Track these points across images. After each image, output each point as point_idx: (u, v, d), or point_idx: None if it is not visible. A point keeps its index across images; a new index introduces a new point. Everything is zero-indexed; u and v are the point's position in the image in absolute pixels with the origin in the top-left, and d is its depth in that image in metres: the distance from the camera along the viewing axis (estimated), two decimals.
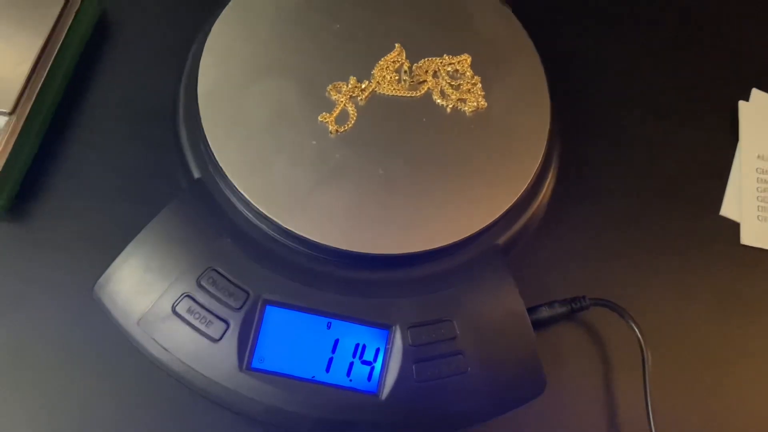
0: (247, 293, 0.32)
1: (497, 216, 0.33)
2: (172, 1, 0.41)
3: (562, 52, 0.35)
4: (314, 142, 0.33)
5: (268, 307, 0.32)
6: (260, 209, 0.32)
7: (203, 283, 0.32)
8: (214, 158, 0.33)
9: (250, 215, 0.33)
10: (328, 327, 0.32)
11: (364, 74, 0.35)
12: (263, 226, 0.33)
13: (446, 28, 0.37)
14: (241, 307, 0.31)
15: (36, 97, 0.35)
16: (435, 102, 0.35)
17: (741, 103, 0.43)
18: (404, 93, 0.35)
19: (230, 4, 0.36)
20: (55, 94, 0.37)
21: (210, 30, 0.35)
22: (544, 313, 0.35)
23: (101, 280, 0.32)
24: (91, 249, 0.35)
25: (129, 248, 0.32)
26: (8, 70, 0.34)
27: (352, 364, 0.32)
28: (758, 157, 0.42)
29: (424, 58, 0.36)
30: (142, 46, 0.40)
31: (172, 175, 0.36)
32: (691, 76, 0.43)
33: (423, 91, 0.35)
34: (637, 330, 0.34)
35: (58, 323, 0.34)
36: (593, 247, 0.38)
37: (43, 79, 0.35)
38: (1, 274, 0.34)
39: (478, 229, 0.33)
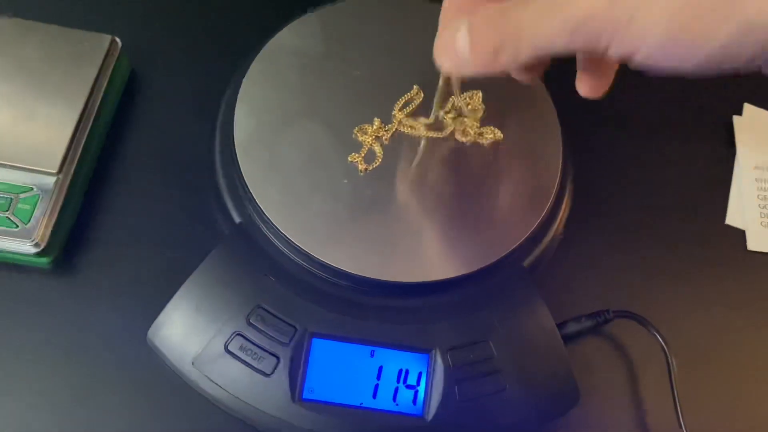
0: (294, 328, 0.34)
1: (522, 239, 0.36)
2: (195, 54, 0.44)
3: (567, 80, 0.38)
4: (346, 181, 0.36)
5: (314, 340, 0.34)
6: (301, 247, 0.34)
7: (252, 321, 0.33)
8: (255, 202, 0.35)
9: (291, 253, 0.35)
10: (372, 355, 0.34)
11: (386, 115, 0.37)
12: (304, 263, 0.35)
13: None
14: (289, 342, 0.33)
15: (79, 156, 0.37)
16: (457, 139, 0.37)
17: (735, 118, 0.45)
18: (429, 133, 0.37)
19: (258, 57, 0.38)
20: (95, 150, 0.39)
21: (241, 82, 0.37)
22: (572, 327, 0.37)
23: (154, 325, 0.34)
24: (140, 296, 0.37)
25: (179, 293, 0.34)
26: (53, 132, 0.37)
27: (397, 389, 0.34)
28: (755, 167, 0.44)
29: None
30: (172, 98, 0.42)
31: (213, 221, 0.38)
32: (688, 95, 0.46)
33: (447, 131, 0.37)
34: (660, 339, 0.36)
35: (114, 370, 0.35)
36: (612, 261, 0.40)
37: (85, 137, 0.38)
38: (56, 325, 0.36)
39: (504, 253, 0.35)
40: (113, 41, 0.40)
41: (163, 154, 0.41)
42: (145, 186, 0.40)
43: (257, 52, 0.38)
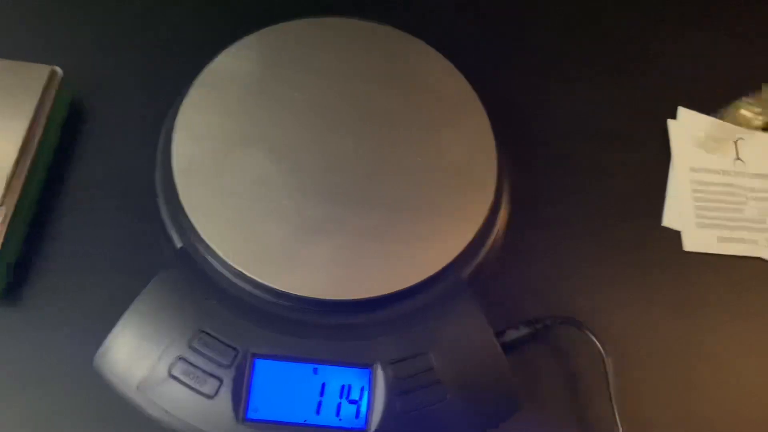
0: (236, 350, 0.34)
1: (459, 251, 0.37)
2: (138, 81, 0.44)
3: (500, 91, 0.39)
4: (284, 202, 0.36)
5: (256, 361, 0.34)
6: (240, 270, 0.35)
7: (195, 345, 0.34)
8: (194, 227, 0.35)
9: (231, 276, 0.35)
10: (315, 372, 0.35)
11: (326, 136, 0.38)
12: (244, 285, 0.35)
13: (393, 85, 0.41)
14: (231, 364, 0.34)
15: (22, 187, 0.38)
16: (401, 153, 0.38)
17: (670, 122, 0.47)
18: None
19: (196, 81, 0.39)
20: (39, 180, 0.40)
21: (179, 107, 0.38)
22: (511, 335, 0.38)
23: (100, 351, 0.34)
24: (86, 323, 0.37)
25: (123, 319, 0.35)
26: None
27: (340, 404, 0.34)
28: (691, 169, 0.45)
29: None
30: (115, 126, 0.43)
31: (157, 246, 0.38)
32: (625, 100, 0.47)
33: None
34: (597, 341, 0.38)
35: (62, 397, 0.36)
36: (552, 269, 0.41)
37: (27, 169, 0.38)
38: (3, 355, 0.36)
39: (441, 267, 0.36)
40: (53, 71, 0.40)
41: (107, 182, 0.41)
42: (90, 214, 0.40)
43: (195, 77, 0.39)
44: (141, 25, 0.46)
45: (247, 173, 0.37)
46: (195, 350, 0.34)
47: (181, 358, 0.34)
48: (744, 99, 0.47)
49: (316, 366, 0.35)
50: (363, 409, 0.34)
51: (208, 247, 0.35)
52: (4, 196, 0.37)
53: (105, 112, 0.43)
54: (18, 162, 0.38)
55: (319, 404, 0.34)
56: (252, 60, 0.40)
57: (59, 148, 0.42)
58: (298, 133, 0.38)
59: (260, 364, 0.34)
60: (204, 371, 0.34)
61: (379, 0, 0.49)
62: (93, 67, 0.44)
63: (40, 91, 0.39)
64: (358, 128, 0.39)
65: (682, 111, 0.47)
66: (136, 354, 0.34)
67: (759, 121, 0.47)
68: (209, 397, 0.34)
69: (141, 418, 0.34)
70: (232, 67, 0.40)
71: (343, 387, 0.35)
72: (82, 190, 0.41)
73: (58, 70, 0.41)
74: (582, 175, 0.44)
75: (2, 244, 0.36)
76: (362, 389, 0.35)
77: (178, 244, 0.37)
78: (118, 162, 0.42)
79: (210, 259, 0.36)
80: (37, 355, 0.37)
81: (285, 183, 0.37)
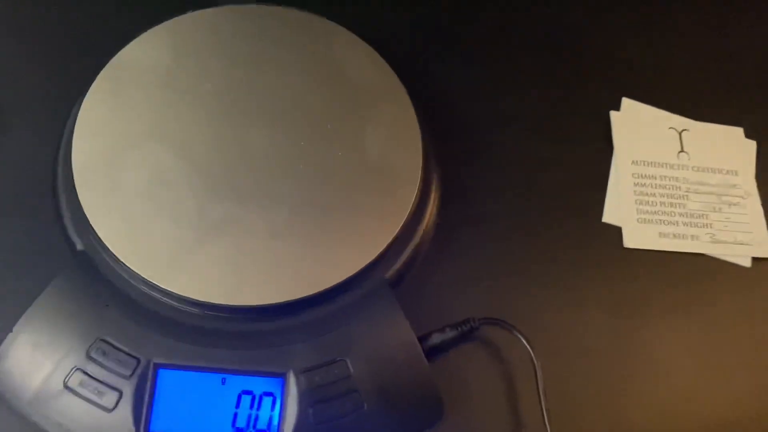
0: (138, 359, 0.32)
1: (380, 251, 0.35)
2: (45, 76, 0.41)
3: (429, 83, 0.37)
4: (189, 202, 0.34)
5: (160, 371, 0.32)
6: (141, 274, 0.32)
7: (93, 354, 0.32)
8: (92, 228, 0.33)
9: (132, 281, 0.33)
10: (223, 382, 0.33)
11: (237, 130, 0.36)
12: (147, 291, 0.33)
13: (312, 74, 0.38)
14: (132, 374, 0.32)
15: None
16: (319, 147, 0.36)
17: (612, 113, 0.45)
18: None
19: (100, 74, 0.36)
20: None
21: (81, 102, 0.36)
22: (436, 339, 0.36)
23: None
24: None
25: (17, 326, 0.32)
26: None
27: (249, 415, 0.32)
28: (633, 162, 0.44)
29: None
30: (17, 120, 0.40)
31: (58, 249, 0.36)
32: (563, 91, 0.45)
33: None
34: (525, 342, 0.36)
35: None
36: (483, 268, 0.39)
37: None
38: None
39: (361, 267, 0.34)
40: None
41: (8, 181, 0.38)
42: None
43: (98, 71, 0.37)
44: (49, 13, 0.43)
45: (149, 172, 0.34)
46: (93, 360, 0.32)
47: (78, 369, 0.32)
48: None
49: (224, 376, 0.33)
50: (275, 420, 0.32)
51: (106, 249, 0.33)
52: None
53: (7, 106, 0.40)
54: None
55: (229, 416, 0.32)
56: (161, 50, 0.38)
57: None
58: (207, 128, 0.36)
59: (164, 374, 0.32)
60: (102, 383, 0.32)
61: None
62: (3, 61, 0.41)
63: None
64: (273, 121, 0.36)
65: (626, 102, 0.46)
66: (30, 365, 0.32)
67: None
68: (108, 410, 0.31)
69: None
70: (139, 58, 0.37)
71: (253, 397, 0.33)
72: None
73: None
74: (517, 170, 0.42)
75: None
76: (274, 399, 0.33)
77: (79, 246, 0.34)
78: (19, 159, 0.39)
79: (110, 262, 0.33)
80: None
81: (190, 181, 0.34)
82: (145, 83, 0.36)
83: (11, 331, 0.32)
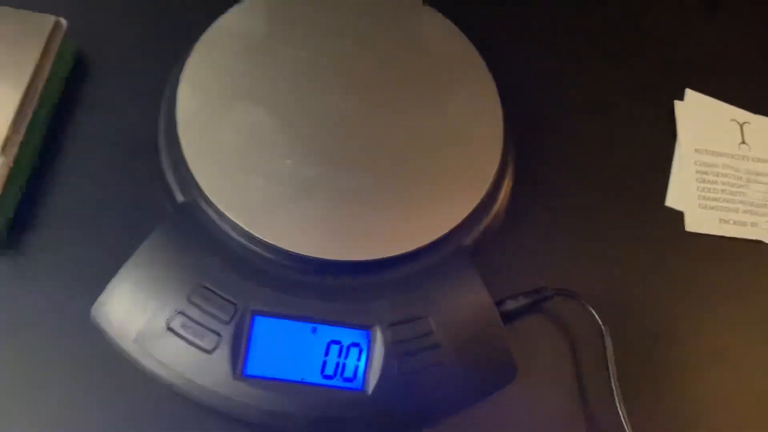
0: (235, 305, 0.34)
1: (462, 218, 0.36)
2: (145, 35, 0.44)
3: (509, 62, 0.39)
4: (288, 161, 0.36)
5: (255, 318, 0.34)
6: (241, 226, 0.34)
7: (194, 299, 0.34)
8: (196, 181, 0.35)
9: (232, 232, 0.35)
10: (314, 331, 0.34)
11: (331, 96, 0.38)
12: (245, 242, 0.35)
13: (400, 49, 0.40)
14: (230, 320, 0.34)
15: (23, 138, 0.37)
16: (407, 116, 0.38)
17: (677, 103, 0.47)
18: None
19: (202, 38, 0.38)
20: (39, 133, 0.39)
21: (185, 62, 0.38)
22: (510, 305, 0.38)
23: (98, 302, 0.34)
24: (84, 275, 0.37)
25: (122, 271, 0.34)
26: None
27: (338, 364, 0.34)
28: (696, 150, 0.45)
29: None
30: (119, 79, 0.42)
31: (158, 201, 0.38)
32: (632, 79, 0.47)
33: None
34: (596, 315, 0.38)
35: (58, 346, 0.36)
36: (553, 241, 0.41)
37: (28, 120, 0.37)
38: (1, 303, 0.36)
39: (444, 233, 0.36)
40: (57, 22, 0.40)
41: (109, 136, 0.41)
42: (90, 168, 0.40)
43: (201, 33, 0.39)
44: None
45: (248, 131, 0.36)
46: (194, 305, 0.34)
47: (180, 312, 0.34)
48: None
49: (315, 325, 0.34)
50: (361, 369, 0.34)
51: (209, 201, 0.35)
52: (4, 147, 0.36)
53: (109, 65, 0.42)
54: (19, 113, 0.37)
55: (317, 363, 0.34)
56: (258, 18, 0.40)
57: (61, 101, 0.41)
58: (301, 93, 0.37)
59: (260, 321, 0.34)
60: (203, 326, 0.33)
61: None
62: (98, 19, 0.43)
63: (43, 41, 0.39)
64: (364, 91, 0.38)
65: (689, 93, 0.47)
66: (133, 307, 0.34)
67: None
68: (207, 351, 0.33)
69: (136, 372, 0.34)
70: (238, 24, 0.39)
71: (341, 347, 0.34)
72: (83, 144, 0.40)
73: (63, 20, 0.40)
74: (587, 151, 0.44)
75: (3, 194, 0.36)
76: (360, 350, 0.34)
77: (180, 199, 0.36)
78: (121, 116, 0.41)
79: (211, 214, 0.35)
80: (34, 305, 0.36)
81: (288, 142, 0.36)
82: (244, 47, 0.38)
83: (116, 275, 0.34)
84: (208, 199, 0.35)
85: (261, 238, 0.34)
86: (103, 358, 0.35)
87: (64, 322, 0.36)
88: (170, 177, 0.37)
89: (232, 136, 0.36)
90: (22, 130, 0.37)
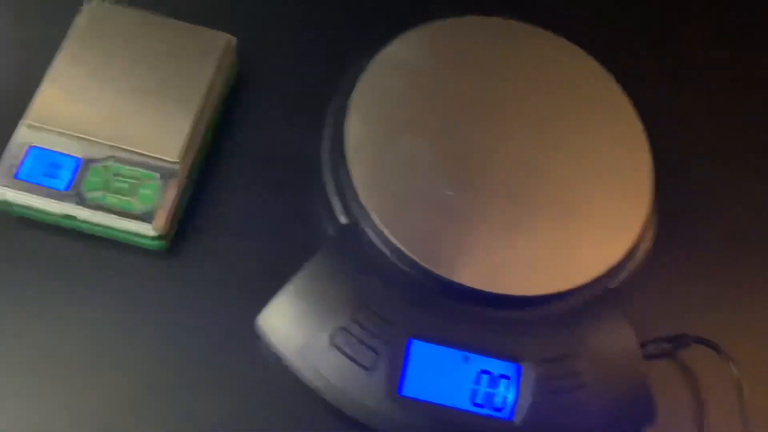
0: (395, 327, 0.35)
1: (616, 261, 0.37)
2: (299, 56, 0.46)
3: (652, 103, 0.40)
4: (450, 193, 0.37)
5: (412, 341, 0.36)
6: (406, 252, 0.36)
7: (357, 318, 0.35)
8: (363, 205, 0.37)
9: (394, 257, 0.36)
10: (466, 360, 0.36)
11: (494, 131, 0.39)
12: (407, 267, 0.36)
13: (550, 88, 0.41)
14: (389, 341, 0.35)
15: (197, 149, 0.39)
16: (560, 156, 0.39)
17: None
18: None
19: (369, 66, 0.40)
20: (205, 144, 0.41)
21: (353, 88, 0.39)
22: (652, 349, 0.39)
23: (264, 313, 0.36)
24: (244, 285, 0.39)
25: (290, 286, 0.36)
26: (174, 123, 0.39)
27: (488, 394, 0.35)
28: None
29: None
30: (276, 97, 0.44)
31: (317, 219, 0.39)
32: None
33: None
34: (734, 368, 0.38)
35: (216, 353, 0.38)
36: (694, 287, 0.42)
37: (202, 131, 0.40)
38: (164, 305, 0.38)
39: (598, 275, 0.37)
40: (229, 40, 0.42)
41: (266, 152, 0.43)
42: (249, 181, 0.42)
43: (368, 60, 0.40)
44: (317, 3, 0.48)
45: (414, 160, 0.38)
46: (357, 323, 0.35)
47: (343, 329, 0.35)
48: None
49: (467, 354, 0.36)
50: (509, 400, 0.35)
51: (375, 226, 0.36)
52: (182, 153, 0.38)
53: (268, 84, 0.44)
54: (194, 126, 0.39)
55: (468, 391, 0.35)
56: (422, 50, 0.41)
57: (224, 116, 0.43)
58: (464, 126, 0.39)
59: (416, 344, 0.36)
60: (364, 344, 0.35)
61: (538, 2, 0.49)
62: (261, 39, 0.45)
63: (217, 58, 0.41)
64: (520, 126, 0.40)
65: None
66: (298, 320, 0.36)
67: None
68: (366, 369, 0.35)
69: (292, 383, 0.35)
70: (403, 54, 0.41)
71: (491, 377, 0.36)
72: (243, 158, 0.42)
73: (233, 38, 0.42)
74: (731, 197, 0.45)
75: (177, 199, 0.38)
76: (510, 382, 0.36)
77: (343, 220, 0.38)
78: (280, 133, 0.43)
79: (374, 237, 0.37)
80: (194, 310, 0.38)
81: (450, 173, 0.38)
82: (409, 78, 0.40)
83: (283, 289, 0.36)
84: (375, 223, 0.36)
85: (424, 265, 0.36)
86: (261, 365, 0.37)
87: (223, 329, 0.38)
88: (334, 199, 0.38)
89: (398, 164, 0.38)
90: (197, 138, 0.39)
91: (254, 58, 0.45)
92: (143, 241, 0.38)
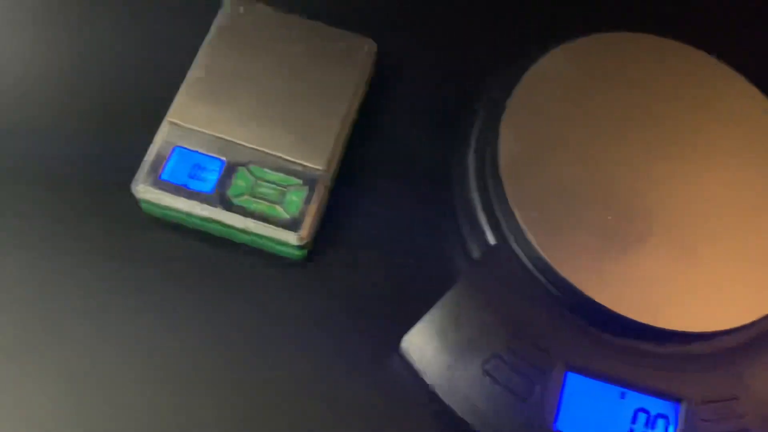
0: (551, 358, 0.34)
1: None
2: (438, 63, 0.44)
3: None
4: (609, 217, 0.36)
5: (568, 374, 0.34)
6: (565, 278, 0.34)
7: (512, 346, 0.34)
8: (519, 226, 0.35)
9: (551, 282, 0.35)
10: (622, 396, 0.34)
11: (652, 153, 0.37)
12: (564, 294, 0.35)
13: (704, 111, 0.39)
14: (546, 372, 0.33)
15: (339, 157, 0.38)
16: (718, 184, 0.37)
17: None
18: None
19: (522, 80, 0.38)
20: (344, 152, 0.40)
21: (505, 104, 0.38)
22: None
23: (410, 336, 0.35)
24: (383, 302, 0.37)
25: (437, 307, 0.35)
26: (320, 129, 0.37)
27: None
28: None
29: None
30: (414, 106, 0.43)
31: (459, 237, 0.38)
32: None
33: None
34: None
35: (357, 369, 0.36)
36: None
37: (344, 138, 0.38)
38: (299, 315, 0.37)
39: (764, 315, 0.35)
40: (371, 45, 0.40)
41: (402, 163, 0.41)
42: (385, 193, 0.40)
43: (518, 73, 0.39)
44: (457, 12, 0.46)
45: (572, 180, 0.36)
46: (511, 350, 0.34)
47: (497, 356, 0.34)
48: None
49: (624, 390, 0.34)
50: None
51: (530, 247, 0.34)
52: (329, 161, 0.37)
53: (406, 92, 0.43)
54: (341, 131, 0.38)
55: (624, 429, 0.34)
56: (575, 64, 0.39)
57: (359, 123, 0.42)
58: (619, 146, 0.37)
59: (572, 377, 0.34)
60: (518, 373, 0.33)
61: (694, 20, 0.47)
62: (398, 45, 0.43)
63: (362, 63, 0.40)
64: (679, 149, 0.38)
65: None
66: (447, 343, 0.34)
67: None
68: (521, 399, 0.33)
69: (436, 408, 0.34)
70: (556, 68, 0.39)
71: (648, 417, 0.34)
72: (379, 168, 0.41)
73: (374, 44, 0.41)
74: None
75: (321, 208, 0.37)
76: (668, 422, 0.34)
77: (491, 241, 0.36)
78: (416, 144, 0.41)
79: (528, 260, 0.35)
80: (332, 321, 0.37)
81: (610, 196, 0.36)
82: (563, 93, 0.38)
83: (430, 311, 0.35)
84: (531, 245, 0.34)
85: (584, 292, 0.34)
86: (402, 387, 0.35)
87: (364, 346, 0.36)
88: (481, 217, 0.37)
89: (555, 183, 0.36)
90: (340, 146, 0.38)
91: (389, 64, 0.43)
92: (284, 249, 0.36)
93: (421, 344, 0.34)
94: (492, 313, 0.34)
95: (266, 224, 0.35)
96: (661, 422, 0.34)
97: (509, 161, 0.36)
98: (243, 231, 0.36)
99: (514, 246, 0.35)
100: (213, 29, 0.40)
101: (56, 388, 0.34)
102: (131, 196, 0.36)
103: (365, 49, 0.40)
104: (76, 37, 0.42)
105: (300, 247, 0.36)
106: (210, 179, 0.36)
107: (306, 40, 0.40)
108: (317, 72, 0.39)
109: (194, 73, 0.38)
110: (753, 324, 0.34)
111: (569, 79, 0.39)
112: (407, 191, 0.40)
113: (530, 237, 0.35)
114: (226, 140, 0.37)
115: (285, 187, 0.36)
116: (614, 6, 0.48)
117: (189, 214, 0.36)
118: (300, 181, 0.36)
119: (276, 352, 0.36)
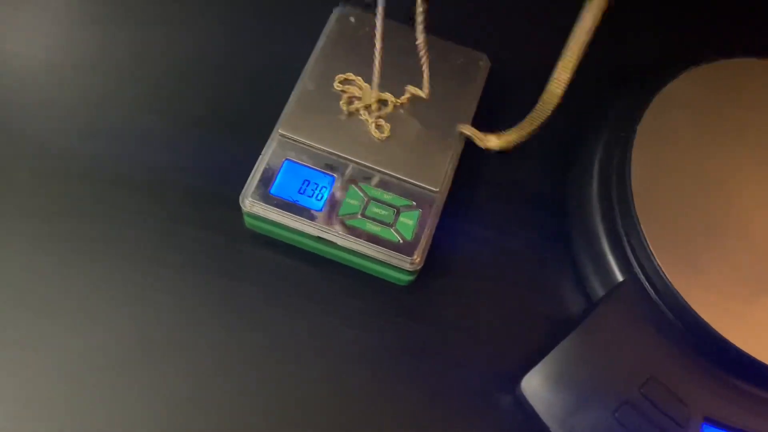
0: (688, 408, 0.31)
1: None
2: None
3: None
4: (746, 256, 0.33)
5: (704, 425, 0.31)
6: (703, 319, 0.31)
7: (644, 392, 0.31)
8: (654, 262, 0.32)
9: (687, 324, 0.32)
10: None
11: None
12: (701, 337, 0.32)
13: None
14: (682, 422, 0.31)
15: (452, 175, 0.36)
16: None
17: None
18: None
19: (651, 104, 0.36)
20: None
21: (635, 130, 0.35)
22: None
23: (529, 376, 0.32)
24: (493, 336, 0.35)
25: (561, 348, 0.32)
26: (436, 148, 0.35)
27: None
28: None
29: None
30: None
31: (576, 270, 0.36)
32: None
33: None
34: None
35: (470, 404, 0.33)
36: None
37: (458, 156, 0.36)
38: (405, 341, 0.35)
39: None
40: (485, 60, 0.38)
41: (513, 187, 0.39)
42: (494, 218, 0.38)
43: (649, 99, 0.36)
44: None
45: (708, 214, 0.33)
46: (645, 397, 0.31)
47: (629, 403, 0.31)
48: None
49: None
50: None
51: (667, 286, 0.32)
52: (443, 182, 0.35)
53: (514, 111, 0.40)
54: (455, 152, 0.36)
55: None
56: (704, 89, 0.37)
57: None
58: (756, 179, 0.35)
59: (709, 429, 0.31)
60: (652, 422, 0.31)
61: None
62: (511, 59, 0.41)
63: (477, 78, 0.38)
64: None
65: None
66: (571, 387, 0.31)
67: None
68: None
69: None
70: (684, 95, 0.37)
71: None
72: (485, 192, 0.38)
73: (488, 59, 0.39)
74: None
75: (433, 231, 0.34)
76: None
77: (619, 278, 0.34)
78: (525, 169, 0.39)
79: (664, 299, 0.32)
80: (439, 352, 0.34)
81: (749, 233, 0.33)
82: (692, 120, 0.36)
83: (553, 351, 0.32)
84: (666, 283, 0.32)
85: (724, 337, 0.31)
86: (518, 428, 0.33)
87: (474, 379, 0.34)
88: (607, 251, 0.34)
89: (691, 217, 0.33)
90: (452, 167, 0.36)
91: (500, 80, 0.41)
92: (392, 273, 0.34)
93: (541, 386, 0.32)
94: (621, 356, 0.32)
95: (379, 247, 0.33)
96: None
97: (643, 190, 0.34)
98: (352, 252, 0.34)
99: (646, 284, 0.33)
100: (322, 38, 0.38)
101: (163, 403, 0.32)
102: (233, 207, 0.34)
103: (480, 64, 0.38)
104: (186, 44, 0.41)
105: (410, 272, 0.34)
106: (320, 196, 0.34)
107: (416, 50, 0.38)
108: (432, 86, 0.37)
109: (304, 83, 0.36)
110: None
111: (701, 103, 0.36)
112: (518, 217, 0.38)
113: (665, 274, 0.32)
114: (338, 155, 0.35)
115: (398, 209, 0.34)
116: (733, 33, 0.45)
117: (298, 232, 0.34)
118: (413, 203, 0.34)
119: (382, 383, 0.34)
